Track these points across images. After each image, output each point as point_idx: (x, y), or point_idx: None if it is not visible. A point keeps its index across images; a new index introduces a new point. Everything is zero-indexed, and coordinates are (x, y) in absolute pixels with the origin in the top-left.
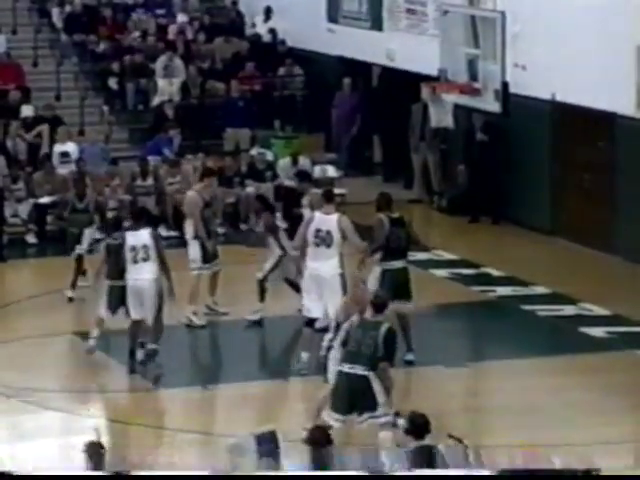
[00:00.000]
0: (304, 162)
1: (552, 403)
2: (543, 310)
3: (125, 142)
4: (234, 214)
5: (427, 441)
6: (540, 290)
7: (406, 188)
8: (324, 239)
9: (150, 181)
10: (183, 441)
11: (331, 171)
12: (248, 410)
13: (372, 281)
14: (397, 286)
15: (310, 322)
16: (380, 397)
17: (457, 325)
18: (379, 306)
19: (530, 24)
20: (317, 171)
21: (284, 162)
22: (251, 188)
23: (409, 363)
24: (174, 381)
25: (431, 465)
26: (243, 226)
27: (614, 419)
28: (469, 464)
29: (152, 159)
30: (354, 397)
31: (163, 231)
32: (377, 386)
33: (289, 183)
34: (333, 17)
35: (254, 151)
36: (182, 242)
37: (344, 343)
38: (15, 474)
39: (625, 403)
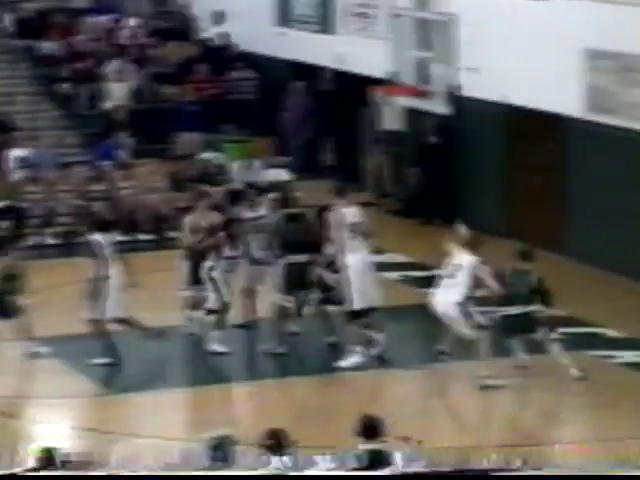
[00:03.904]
0: (256, 165)
1: (503, 404)
2: (494, 312)
3: (77, 147)
4: None
5: (378, 443)
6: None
7: (358, 191)
8: (357, 231)
9: (103, 186)
10: (138, 446)
11: (283, 174)
12: (203, 414)
13: (278, 275)
14: (299, 278)
15: (356, 314)
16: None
17: (409, 327)
18: (526, 255)
19: (481, 27)
20: (269, 174)
21: (236, 166)
22: None
23: (333, 346)
24: (130, 386)
25: (382, 467)
26: None
27: (565, 419)
28: (419, 466)
29: (105, 164)
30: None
31: (117, 236)
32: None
33: (238, 187)
34: (284, 20)
35: (206, 155)
36: (137, 247)
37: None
38: (15, 474)
39: (577, 403)
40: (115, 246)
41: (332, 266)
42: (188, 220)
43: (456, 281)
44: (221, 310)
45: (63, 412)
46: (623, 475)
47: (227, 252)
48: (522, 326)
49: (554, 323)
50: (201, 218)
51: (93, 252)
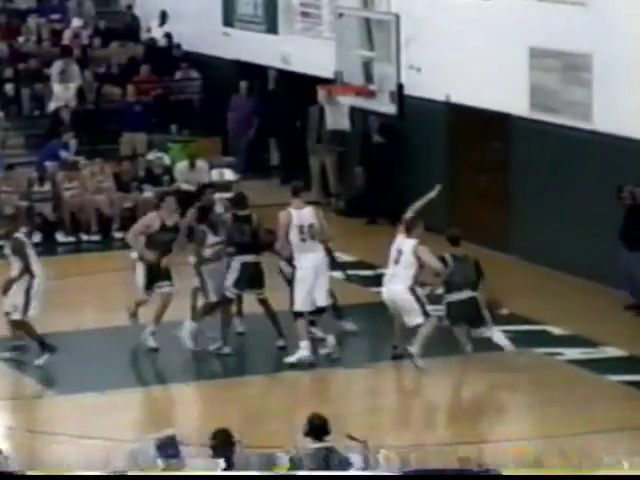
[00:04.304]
0: (201, 166)
1: (453, 401)
2: (439, 311)
3: (21, 148)
4: (132, 219)
5: (326, 442)
6: (437, 291)
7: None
8: (308, 233)
9: (47, 187)
10: (80, 447)
11: (228, 174)
12: (147, 415)
13: (231, 273)
14: (251, 277)
15: (300, 314)
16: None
17: (355, 326)
18: (454, 239)
19: (424, 26)
20: (214, 174)
21: (181, 166)
22: (148, 193)
23: (282, 349)
24: (68, 387)
25: (330, 467)
26: None
27: (514, 417)
28: (368, 464)
29: (49, 164)
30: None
31: (61, 237)
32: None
33: (186, 187)
34: (228, 21)
35: (151, 155)
36: (80, 248)
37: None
38: (15, 474)
39: (525, 401)
40: (36, 246)
41: (292, 261)
42: (154, 218)
43: (401, 267)
44: (206, 307)
45: (2, 414)
46: (622, 475)
47: (210, 239)
48: (467, 312)
49: (493, 306)
50: (167, 217)
51: (19, 250)
